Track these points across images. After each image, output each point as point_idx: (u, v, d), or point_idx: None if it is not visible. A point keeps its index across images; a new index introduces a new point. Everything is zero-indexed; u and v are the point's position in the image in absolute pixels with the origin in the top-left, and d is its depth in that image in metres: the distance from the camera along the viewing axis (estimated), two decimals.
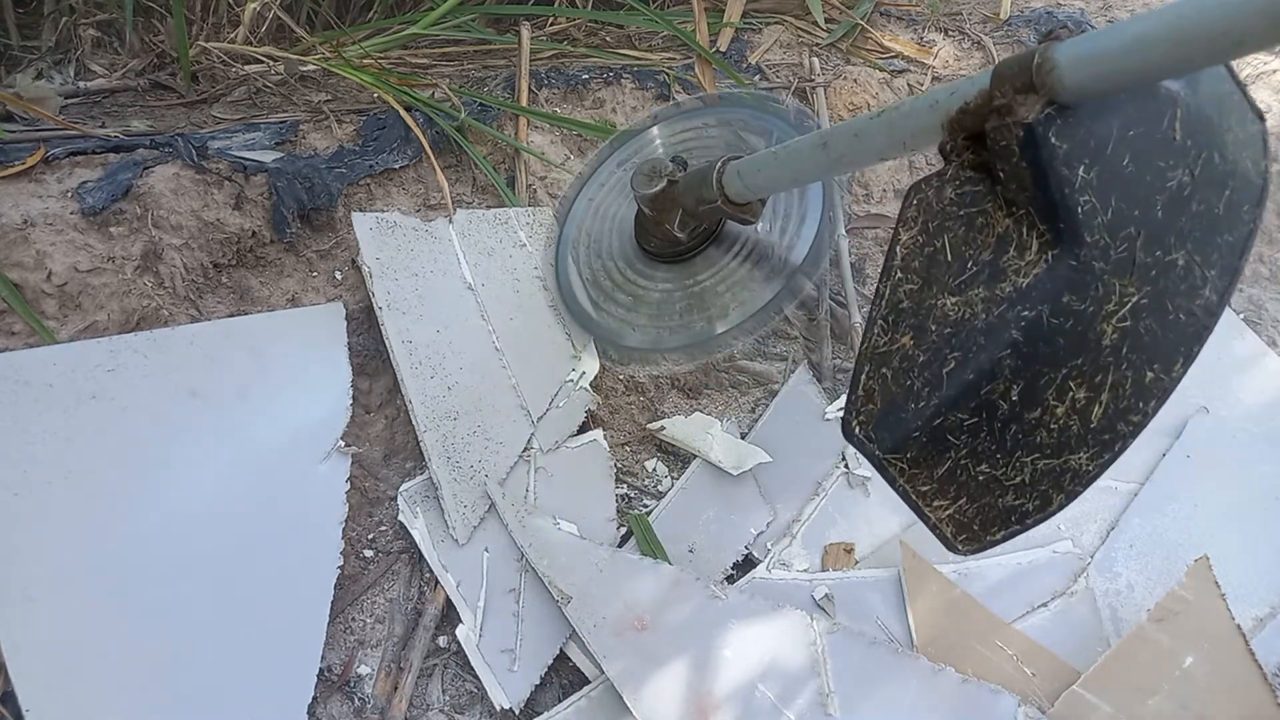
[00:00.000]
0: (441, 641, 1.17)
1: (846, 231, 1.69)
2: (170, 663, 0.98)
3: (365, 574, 1.20)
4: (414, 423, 1.22)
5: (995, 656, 1.19)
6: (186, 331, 1.13)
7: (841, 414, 0.61)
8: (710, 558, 1.30)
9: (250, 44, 1.45)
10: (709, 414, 1.50)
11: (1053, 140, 0.53)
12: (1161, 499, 1.39)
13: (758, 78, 1.77)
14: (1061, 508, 0.56)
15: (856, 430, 0.60)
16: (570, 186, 1.28)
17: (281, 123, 1.35)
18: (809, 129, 0.95)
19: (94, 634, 0.95)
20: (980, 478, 0.56)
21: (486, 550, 1.20)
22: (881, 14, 1.99)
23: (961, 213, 0.57)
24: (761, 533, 1.35)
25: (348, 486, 1.17)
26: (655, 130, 1.28)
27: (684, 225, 1.02)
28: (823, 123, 1.74)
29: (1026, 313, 0.54)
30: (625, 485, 1.39)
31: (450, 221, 1.37)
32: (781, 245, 1.08)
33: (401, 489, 1.23)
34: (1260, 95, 2.01)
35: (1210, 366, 1.56)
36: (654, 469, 1.43)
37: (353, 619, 1.17)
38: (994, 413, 0.55)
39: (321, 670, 1.08)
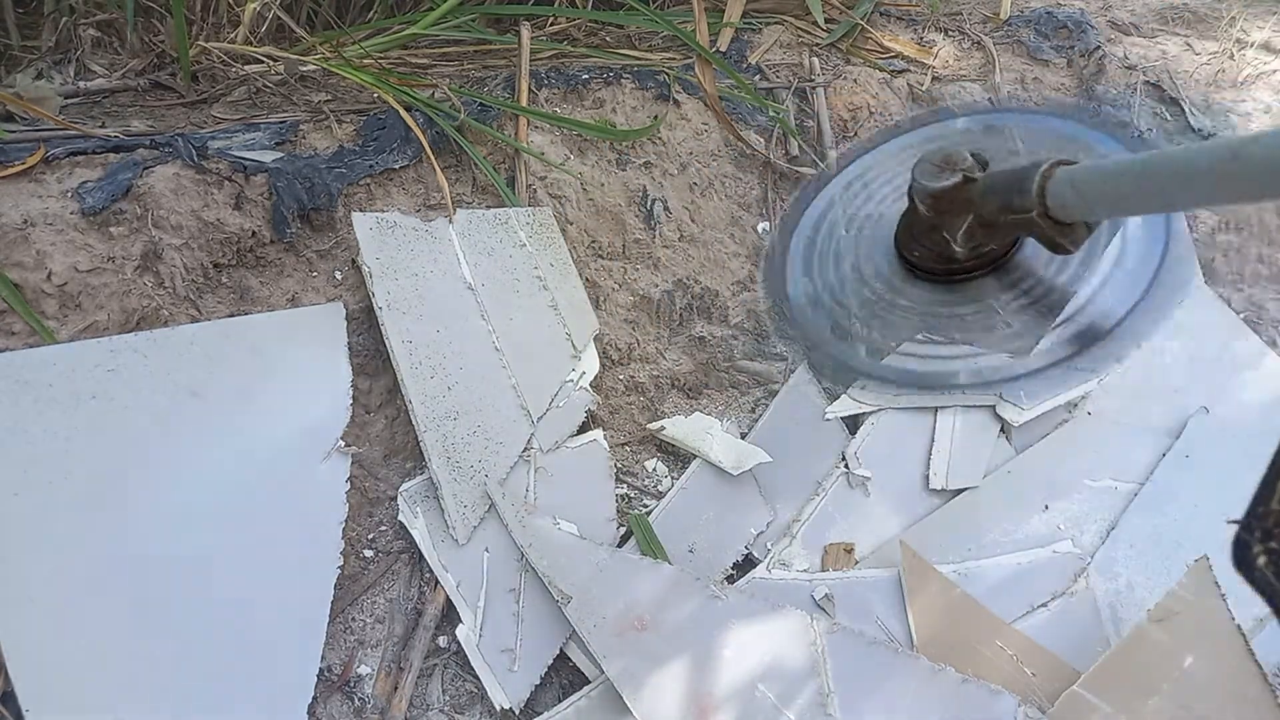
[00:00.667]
0: (441, 641, 1.17)
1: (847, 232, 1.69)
2: (170, 663, 0.98)
3: (365, 574, 1.20)
4: (414, 423, 1.22)
5: (995, 656, 1.19)
6: (186, 331, 1.13)
7: (1239, 529, 0.41)
8: (710, 558, 1.30)
9: (250, 44, 1.45)
10: (709, 414, 1.50)
11: None
12: (1161, 499, 1.38)
13: (758, 78, 1.77)
14: None
15: (1260, 560, 0.40)
16: (837, 160, 1.06)
17: (281, 123, 1.35)
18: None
19: (94, 634, 0.95)
20: None
21: (486, 550, 1.20)
22: (881, 14, 1.99)
23: None
24: (761, 533, 1.35)
25: (348, 486, 1.17)
26: (959, 123, 1.01)
27: (969, 238, 0.78)
28: (823, 125, 1.75)
29: None
30: (625, 485, 1.39)
31: (450, 221, 1.37)
32: (1092, 302, 0.80)
33: (401, 489, 1.23)
34: (1260, 95, 2.01)
35: (1210, 366, 1.56)
36: (654, 469, 1.43)
37: (353, 619, 1.17)
38: None
39: (321, 670, 1.08)
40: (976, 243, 0.80)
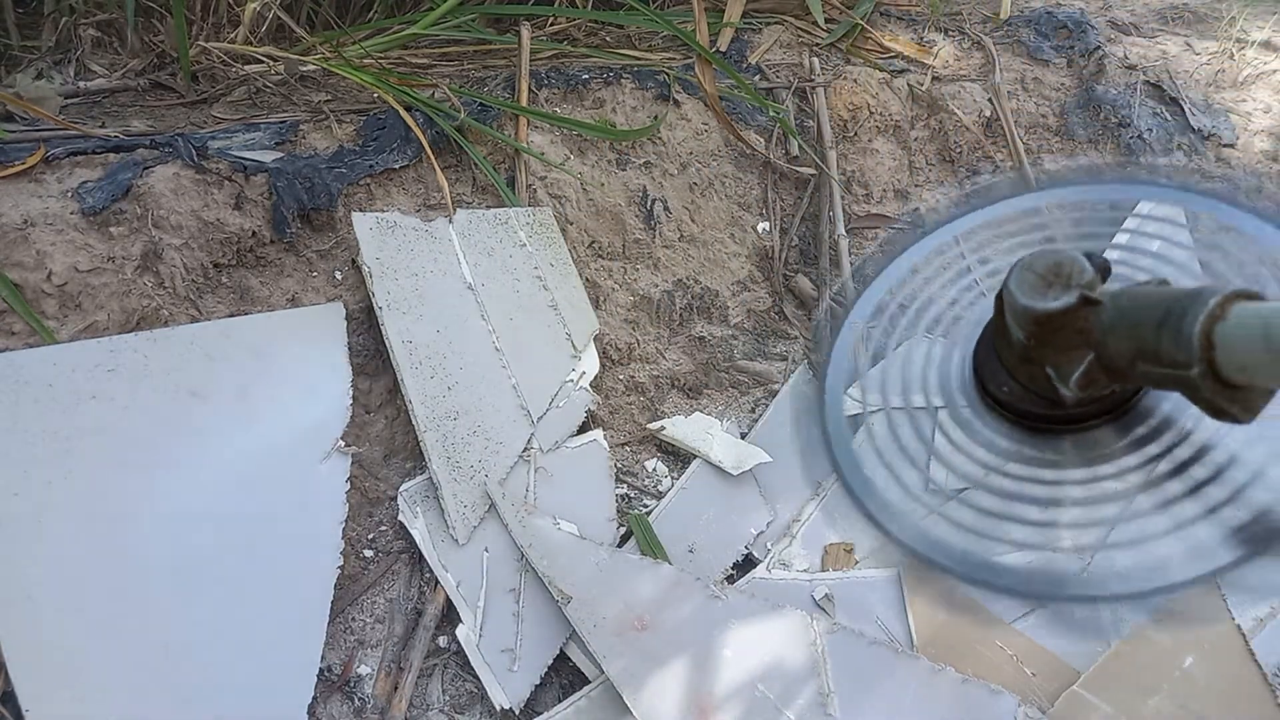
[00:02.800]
0: (441, 641, 1.17)
1: (847, 231, 1.69)
2: (170, 663, 0.98)
3: (365, 574, 1.20)
4: (414, 423, 1.22)
5: (995, 656, 1.19)
6: (186, 331, 1.13)
7: None
8: (710, 558, 1.30)
9: (250, 44, 1.45)
10: (709, 414, 1.50)
11: None
12: None
13: (758, 78, 1.77)
14: None
15: None
16: (885, 249, 0.76)
17: (281, 123, 1.35)
18: None
19: (94, 634, 0.95)
20: None
21: (486, 550, 1.20)
22: (881, 14, 1.99)
23: None
24: (761, 533, 1.35)
25: (348, 486, 1.17)
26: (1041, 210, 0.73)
27: (1088, 382, 0.55)
28: (823, 125, 1.75)
29: None
30: (625, 485, 1.39)
31: (450, 221, 1.37)
32: (1265, 474, 0.57)
33: (401, 489, 1.23)
34: (1260, 95, 2.01)
35: None
36: (654, 469, 1.43)
37: (353, 619, 1.17)
38: None
39: (321, 670, 1.08)
40: (1099, 388, 0.56)
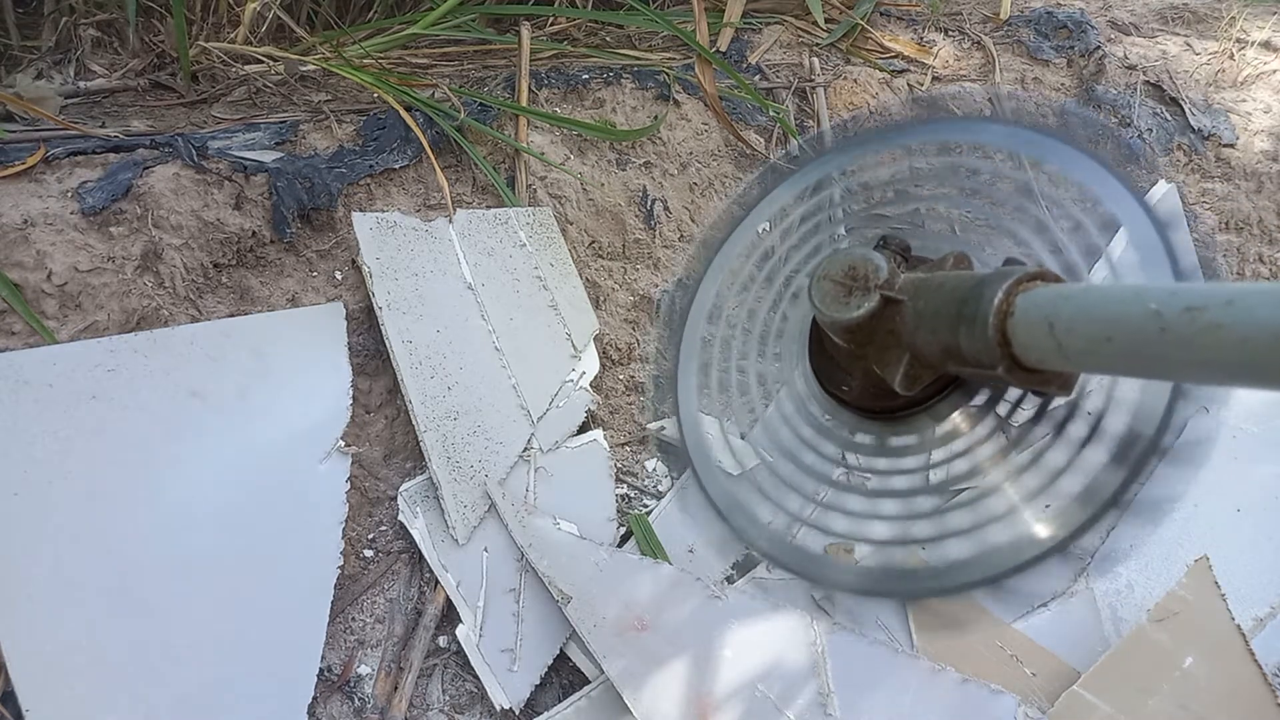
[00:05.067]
0: (441, 641, 1.17)
1: (846, 231, 1.69)
2: (170, 663, 0.98)
3: (365, 574, 1.20)
4: (414, 423, 1.22)
5: (995, 656, 1.19)
6: (186, 331, 1.13)
7: None
8: (710, 558, 1.30)
9: (250, 44, 1.45)
10: (709, 414, 1.50)
11: None
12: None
13: (758, 78, 1.77)
14: None
15: None
16: (713, 229, 0.70)
17: (281, 123, 1.35)
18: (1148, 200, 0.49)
19: (94, 634, 0.95)
20: None
21: (486, 550, 1.20)
22: (881, 14, 2.00)
23: None
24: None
25: (348, 486, 1.17)
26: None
27: (912, 380, 0.53)
28: (823, 125, 1.75)
29: None
30: (625, 485, 1.39)
31: (450, 221, 1.37)
32: (1114, 400, 0.55)
33: (401, 489, 1.23)
34: (1260, 95, 2.01)
35: None
36: (654, 469, 1.43)
37: (353, 619, 1.17)
38: None
39: (321, 670, 1.08)
40: (925, 381, 0.55)
